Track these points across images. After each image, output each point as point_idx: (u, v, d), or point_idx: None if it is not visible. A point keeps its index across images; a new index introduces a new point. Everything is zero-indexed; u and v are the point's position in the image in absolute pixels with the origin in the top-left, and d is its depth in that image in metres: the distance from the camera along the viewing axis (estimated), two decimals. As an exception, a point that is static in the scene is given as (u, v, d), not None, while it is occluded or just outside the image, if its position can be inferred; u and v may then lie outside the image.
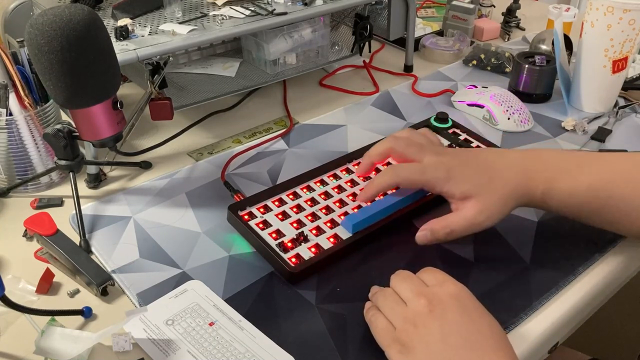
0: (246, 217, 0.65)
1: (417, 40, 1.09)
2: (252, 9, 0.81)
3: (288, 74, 0.91)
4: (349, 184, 0.70)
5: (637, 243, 0.64)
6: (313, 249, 0.61)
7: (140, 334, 0.53)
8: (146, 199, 0.71)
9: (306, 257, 0.60)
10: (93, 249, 0.63)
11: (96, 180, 0.74)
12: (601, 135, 0.84)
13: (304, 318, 0.55)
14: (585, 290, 0.60)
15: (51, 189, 0.74)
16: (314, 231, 0.63)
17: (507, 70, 1.02)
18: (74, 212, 0.66)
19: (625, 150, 0.80)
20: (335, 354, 0.52)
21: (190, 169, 0.77)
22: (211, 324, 0.54)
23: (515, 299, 0.57)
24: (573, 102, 0.91)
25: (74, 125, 0.64)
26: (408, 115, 0.90)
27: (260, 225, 0.64)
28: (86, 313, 0.55)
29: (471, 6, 1.12)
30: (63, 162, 0.68)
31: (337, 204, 0.67)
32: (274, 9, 0.81)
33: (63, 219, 0.67)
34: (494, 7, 1.22)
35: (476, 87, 0.92)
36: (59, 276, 0.60)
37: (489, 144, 0.79)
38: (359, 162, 0.67)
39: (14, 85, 0.69)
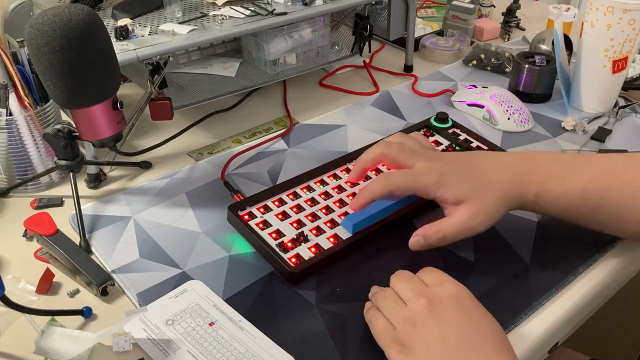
0: (246, 217, 0.65)
1: (417, 40, 1.09)
2: (252, 9, 0.81)
3: (288, 74, 0.91)
4: (349, 184, 0.70)
5: (637, 243, 0.64)
6: (313, 249, 0.61)
7: (140, 334, 0.53)
8: (146, 199, 0.71)
9: (306, 257, 0.60)
10: (93, 249, 0.64)
11: (96, 180, 0.74)
12: (601, 135, 0.84)
13: (304, 318, 0.55)
14: (585, 290, 0.60)
15: (51, 189, 0.74)
16: (314, 231, 0.63)
17: (507, 70, 1.01)
18: (74, 212, 0.66)
19: (625, 151, 0.80)
20: (335, 354, 0.52)
21: (190, 169, 0.77)
22: (211, 324, 0.54)
23: (515, 299, 0.57)
24: (573, 102, 0.91)
25: (74, 125, 0.64)
26: (408, 115, 0.90)
27: (260, 225, 0.64)
28: (86, 313, 0.55)
29: (471, 6, 1.12)
30: (63, 162, 0.68)
31: (337, 204, 0.67)
32: (274, 9, 0.81)
33: (63, 219, 0.67)
34: (494, 7, 1.22)
35: (476, 87, 0.92)
36: (59, 276, 0.60)
37: (489, 144, 0.79)
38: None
39: (14, 85, 0.69)
